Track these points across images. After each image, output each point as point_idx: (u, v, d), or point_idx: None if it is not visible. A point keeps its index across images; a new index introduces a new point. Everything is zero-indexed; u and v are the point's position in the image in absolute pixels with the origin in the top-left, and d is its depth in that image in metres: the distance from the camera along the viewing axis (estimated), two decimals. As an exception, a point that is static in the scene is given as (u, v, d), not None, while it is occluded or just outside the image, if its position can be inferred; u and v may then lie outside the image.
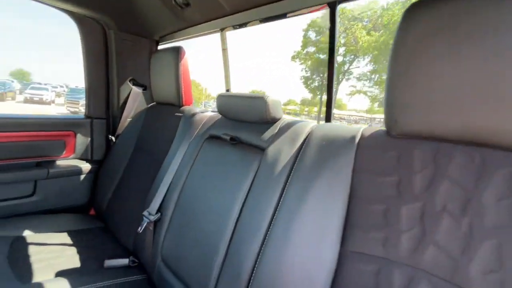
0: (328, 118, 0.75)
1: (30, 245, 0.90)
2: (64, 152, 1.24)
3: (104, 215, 1.16)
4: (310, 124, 0.69)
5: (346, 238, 0.50)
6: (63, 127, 1.22)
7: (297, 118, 0.77)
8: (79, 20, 1.18)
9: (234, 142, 0.76)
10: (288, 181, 0.59)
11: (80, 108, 12.06)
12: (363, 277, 0.46)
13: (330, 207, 0.52)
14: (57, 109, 13.58)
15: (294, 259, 0.52)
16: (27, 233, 0.96)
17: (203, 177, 0.79)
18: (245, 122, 0.79)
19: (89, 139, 1.29)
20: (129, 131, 1.23)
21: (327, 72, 0.76)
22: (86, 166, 1.26)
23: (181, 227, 0.76)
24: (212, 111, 1.03)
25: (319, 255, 0.50)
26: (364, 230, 0.49)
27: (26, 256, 0.84)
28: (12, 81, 18.13)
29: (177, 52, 1.03)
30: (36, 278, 0.76)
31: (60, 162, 1.21)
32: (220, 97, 0.82)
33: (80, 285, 0.74)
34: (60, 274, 0.79)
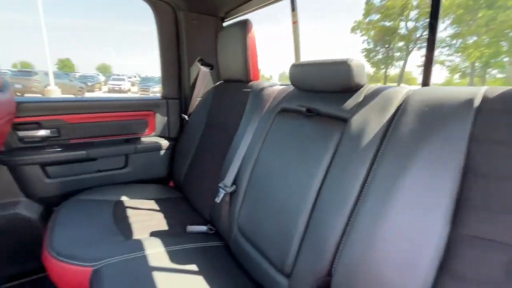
0: (426, 82, 0.64)
1: (128, 209, 1.05)
2: (147, 130, 1.39)
3: (182, 186, 1.27)
4: (403, 89, 0.59)
5: (459, 220, 0.42)
6: (145, 107, 1.36)
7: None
8: (154, 4, 1.26)
9: (311, 114, 0.71)
10: (379, 153, 0.53)
11: (150, 95, 13.51)
12: (488, 266, 0.39)
13: (437, 182, 0.44)
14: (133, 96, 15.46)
15: (391, 239, 0.46)
16: (124, 199, 1.12)
17: (276, 150, 0.77)
18: (322, 92, 0.73)
19: (166, 118, 1.41)
20: (199, 110, 1.29)
21: (428, 27, 0.63)
22: (164, 143, 1.39)
23: (256, 199, 0.78)
24: (281, 85, 1.00)
25: (422, 237, 0.44)
26: (488, 211, 0.40)
27: (126, 217, 0.99)
28: (98, 74, 21.35)
29: (244, 25, 1.01)
30: (136, 236, 0.88)
31: (144, 139, 1.37)
32: (294, 67, 0.77)
33: (169, 245, 0.83)
34: (153, 234, 0.91)
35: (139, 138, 1.36)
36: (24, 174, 1.08)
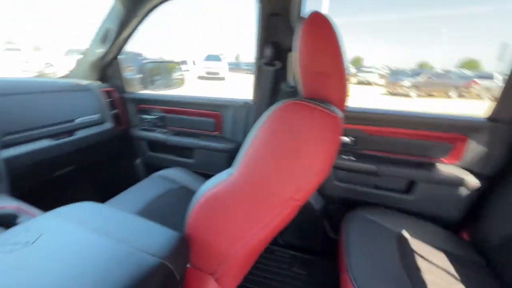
0: None
1: (416, 255, 0.86)
2: (448, 157, 1.09)
3: (486, 250, 0.88)
4: None
5: None
6: (457, 128, 1.05)
7: None
8: None
9: None
10: None
11: (404, 90, 12.27)
12: None
13: None
14: (378, 90, 15.18)
15: None
16: (407, 235, 0.95)
17: None
18: None
19: (486, 147, 1.01)
20: None
21: None
22: (471, 179, 1.02)
23: None
24: None
25: None
26: None
27: (416, 267, 0.80)
28: (348, 66, 23.24)
29: None
30: None
31: (441, 167, 1.08)
32: None
33: None
34: None
35: (434, 165, 1.10)
36: None
